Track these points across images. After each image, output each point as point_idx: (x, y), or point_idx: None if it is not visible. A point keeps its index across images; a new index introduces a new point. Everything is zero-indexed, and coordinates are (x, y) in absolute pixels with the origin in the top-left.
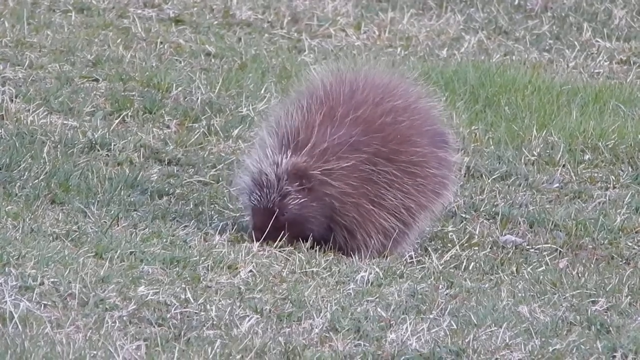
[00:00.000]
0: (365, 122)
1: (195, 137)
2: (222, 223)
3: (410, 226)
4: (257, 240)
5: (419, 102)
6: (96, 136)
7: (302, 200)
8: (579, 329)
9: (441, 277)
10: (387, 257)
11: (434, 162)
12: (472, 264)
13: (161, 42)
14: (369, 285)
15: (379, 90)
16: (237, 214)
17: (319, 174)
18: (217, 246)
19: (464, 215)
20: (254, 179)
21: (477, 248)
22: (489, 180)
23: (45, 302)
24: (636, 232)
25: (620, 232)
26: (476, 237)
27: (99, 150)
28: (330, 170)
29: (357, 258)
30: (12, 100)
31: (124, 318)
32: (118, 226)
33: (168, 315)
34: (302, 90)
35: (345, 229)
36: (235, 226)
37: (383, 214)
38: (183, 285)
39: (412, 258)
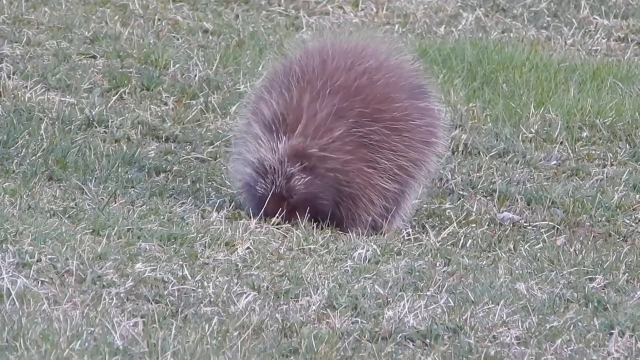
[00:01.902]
0: (342, 88)
1: (193, 114)
2: (219, 200)
3: (409, 185)
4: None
5: (390, 60)
6: (94, 113)
7: (307, 178)
8: (576, 306)
9: (438, 255)
10: (384, 234)
11: (416, 114)
12: (470, 241)
13: (159, 19)
14: (366, 262)
15: (348, 55)
16: (235, 191)
17: (316, 152)
18: (214, 223)
19: (461, 193)
20: (255, 168)
21: (474, 225)
22: (487, 158)
23: (43, 279)
24: (634, 210)
25: (618, 210)
26: (473, 214)
27: (96, 127)
28: (327, 144)
29: (355, 233)
30: (10, 77)
31: (122, 295)
32: (115, 203)
33: (165, 292)
34: (281, 69)
35: (350, 198)
36: (233, 203)
37: (379, 176)
38: (180, 262)
39: (409, 235)
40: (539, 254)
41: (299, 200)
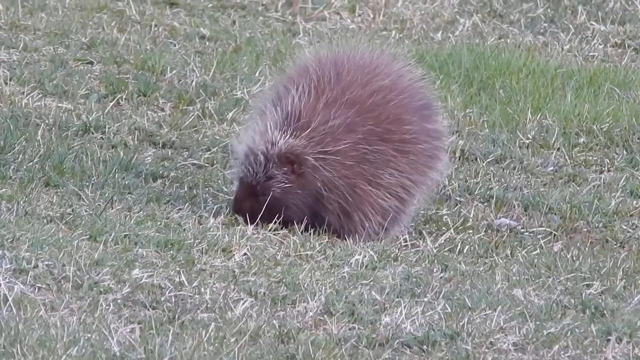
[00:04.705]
0: (357, 102)
1: (190, 120)
2: (216, 206)
3: (407, 203)
4: (234, 210)
5: (403, 79)
6: (90, 119)
7: (287, 185)
8: (574, 313)
9: (435, 261)
10: (381, 240)
11: (424, 137)
12: (467, 247)
13: (155, 25)
14: (364, 268)
15: (364, 70)
16: (232, 197)
17: (312, 160)
18: (211, 229)
19: (458, 199)
20: (246, 151)
21: (471, 231)
22: (484, 164)
23: (40, 285)
24: (631, 216)
25: (615, 216)
26: (471, 220)
27: (93, 133)
28: (326, 154)
29: (351, 241)
30: (7, 83)
31: (118, 301)
32: (112, 209)
33: (162, 298)
34: (299, 71)
35: (340, 212)
36: (230, 209)
37: (381, 193)
38: (177, 268)
39: (406, 241)
40: (536, 260)
41: (269, 200)
